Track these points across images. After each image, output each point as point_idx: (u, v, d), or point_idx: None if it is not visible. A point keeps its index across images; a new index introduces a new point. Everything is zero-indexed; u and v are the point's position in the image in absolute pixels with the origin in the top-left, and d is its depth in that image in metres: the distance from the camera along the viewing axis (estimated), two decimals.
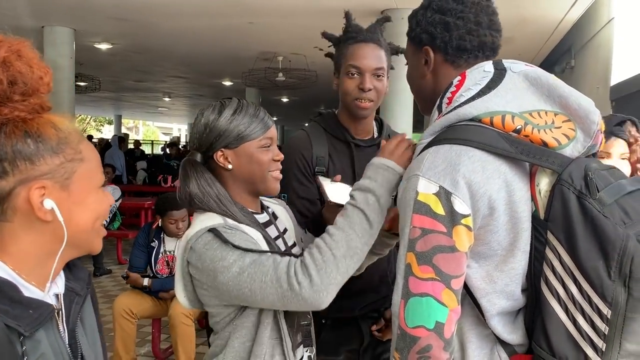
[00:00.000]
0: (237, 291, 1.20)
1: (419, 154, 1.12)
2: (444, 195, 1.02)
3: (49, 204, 0.85)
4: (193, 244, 1.26)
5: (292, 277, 1.16)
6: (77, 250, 0.93)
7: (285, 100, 16.67)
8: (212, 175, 1.35)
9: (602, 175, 1.02)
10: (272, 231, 1.41)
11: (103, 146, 13.35)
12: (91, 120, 33.67)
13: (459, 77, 1.16)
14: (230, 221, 1.29)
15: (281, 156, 1.39)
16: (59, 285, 0.93)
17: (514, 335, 1.10)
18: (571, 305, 1.00)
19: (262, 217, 1.42)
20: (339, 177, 1.55)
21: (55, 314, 0.89)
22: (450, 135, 1.07)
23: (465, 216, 1.03)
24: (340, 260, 1.19)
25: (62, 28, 7.51)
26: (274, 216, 1.50)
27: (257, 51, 8.94)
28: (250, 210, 1.39)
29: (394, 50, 1.80)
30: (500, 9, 1.24)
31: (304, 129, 1.86)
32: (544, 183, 1.06)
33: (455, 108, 1.10)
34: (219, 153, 1.34)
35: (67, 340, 0.90)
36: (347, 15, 1.78)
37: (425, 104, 1.27)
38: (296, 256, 1.23)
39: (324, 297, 1.17)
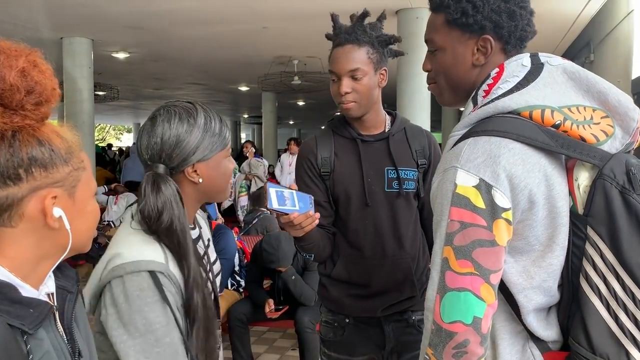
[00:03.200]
0: (131, 354, 1.10)
1: (453, 146, 1.09)
2: (485, 188, 1.00)
3: (57, 212, 0.86)
4: (125, 276, 1.11)
5: None
6: (71, 252, 0.95)
7: (301, 103, 16.71)
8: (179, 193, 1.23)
9: None
10: (199, 247, 1.32)
11: (126, 154, 13.46)
12: (110, 128, 34.12)
13: (496, 69, 1.13)
14: (171, 263, 1.16)
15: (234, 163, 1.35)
16: (49, 284, 0.94)
17: (549, 331, 1.08)
18: (613, 302, 0.98)
19: (195, 233, 1.32)
20: (294, 185, 1.59)
21: (53, 312, 0.90)
22: (488, 127, 1.05)
23: (505, 210, 1.01)
24: None
25: (80, 39, 7.63)
26: (198, 225, 1.39)
27: (273, 55, 8.98)
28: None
29: (385, 42, 1.77)
30: None
31: (315, 135, 1.90)
32: (583, 178, 1.04)
33: (492, 100, 1.08)
34: (191, 168, 1.23)
35: (65, 338, 0.92)
36: (333, 18, 1.79)
37: (457, 95, 1.22)
38: None
39: None
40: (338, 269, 1.83)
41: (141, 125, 1.29)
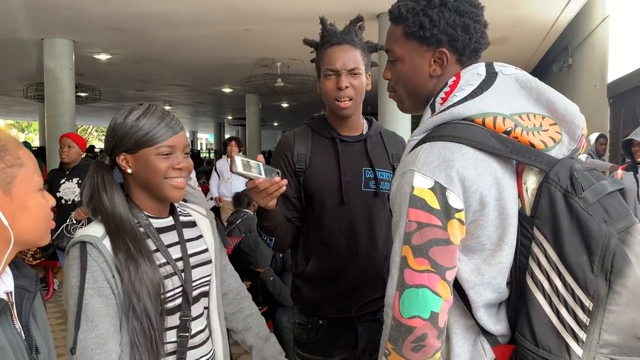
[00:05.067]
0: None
1: (411, 150, 1.14)
2: (439, 190, 1.06)
3: None
4: (70, 250, 1.30)
5: None
6: (23, 246, 0.99)
7: (285, 105, 16.74)
8: (112, 178, 1.38)
9: (586, 175, 1.07)
10: (170, 237, 1.42)
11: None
12: (93, 130, 33.80)
13: (453, 78, 1.19)
14: (106, 239, 1.30)
15: (184, 165, 1.39)
16: (7, 283, 0.97)
17: (498, 326, 1.13)
18: (555, 298, 1.04)
19: (163, 222, 1.44)
20: (260, 157, 1.60)
21: (9, 309, 0.94)
22: (443, 133, 1.11)
23: (458, 210, 1.07)
24: None
25: (61, 40, 7.59)
26: (190, 224, 1.51)
27: (255, 58, 9.00)
28: (148, 214, 1.40)
29: (372, 48, 1.85)
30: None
31: (294, 130, 1.94)
32: (531, 181, 1.10)
33: (448, 107, 1.14)
34: (121, 157, 1.37)
35: (22, 335, 0.95)
36: (322, 21, 1.84)
37: (417, 103, 1.28)
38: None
39: None
40: (311, 266, 1.86)
41: None
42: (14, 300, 0.96)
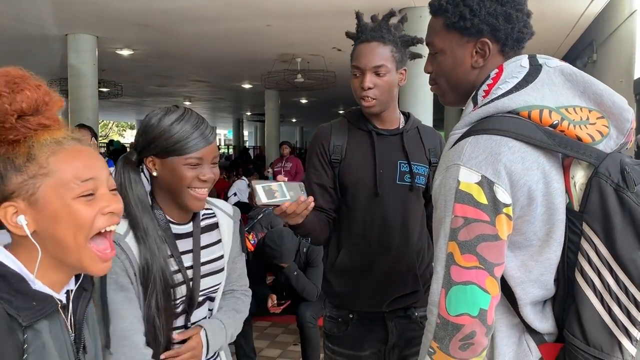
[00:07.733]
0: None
1: (454, 144, 1.13)
2: (487, 185, 1.04)
3: (20, 220, 0.88)
4: None
5: None
6: (69, 268, 0.94)
7: (304, 101, 16.72)
8: (138, 177, 1.38)
9: (637, 170, 1.04)
10: (186, 244, 1.43)
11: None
12: (113, 125, 34.17)
13: (496, 70, 1.16)
14: (129, 236, 1.33)
15: (208, 177, 1.38)
16: (71, 282, 0.97)
17: (544, 324, 1.12)
18: (607, 295, 1.02)
19: (182, 228, 1.44)
20: (281, 177, 1.56)
21: (61, 308, 0.93)
22: (488, 126, 1.09)
23: (506, 205, 1.05)
24: None
25: (84, 35, 7.66)
26: (210, 227, 1.50)
27: (276, 53, 9.00)
28: (170, 218, 1.41)
29: (408, 43, 1.83)
30: None
31: (330, 122, 1.94)
32: (579, 176, 1.08)
33: (492, 100, 1.12)
34: (149, 159, 1.37)
35: (73, 333, 0.95)
36: (358, 16, 1.84)
37: (459, 96, 1.26)
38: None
39: None
40: (342, 257, 1.86)
41: None
42: (72, 298, 0.96)
